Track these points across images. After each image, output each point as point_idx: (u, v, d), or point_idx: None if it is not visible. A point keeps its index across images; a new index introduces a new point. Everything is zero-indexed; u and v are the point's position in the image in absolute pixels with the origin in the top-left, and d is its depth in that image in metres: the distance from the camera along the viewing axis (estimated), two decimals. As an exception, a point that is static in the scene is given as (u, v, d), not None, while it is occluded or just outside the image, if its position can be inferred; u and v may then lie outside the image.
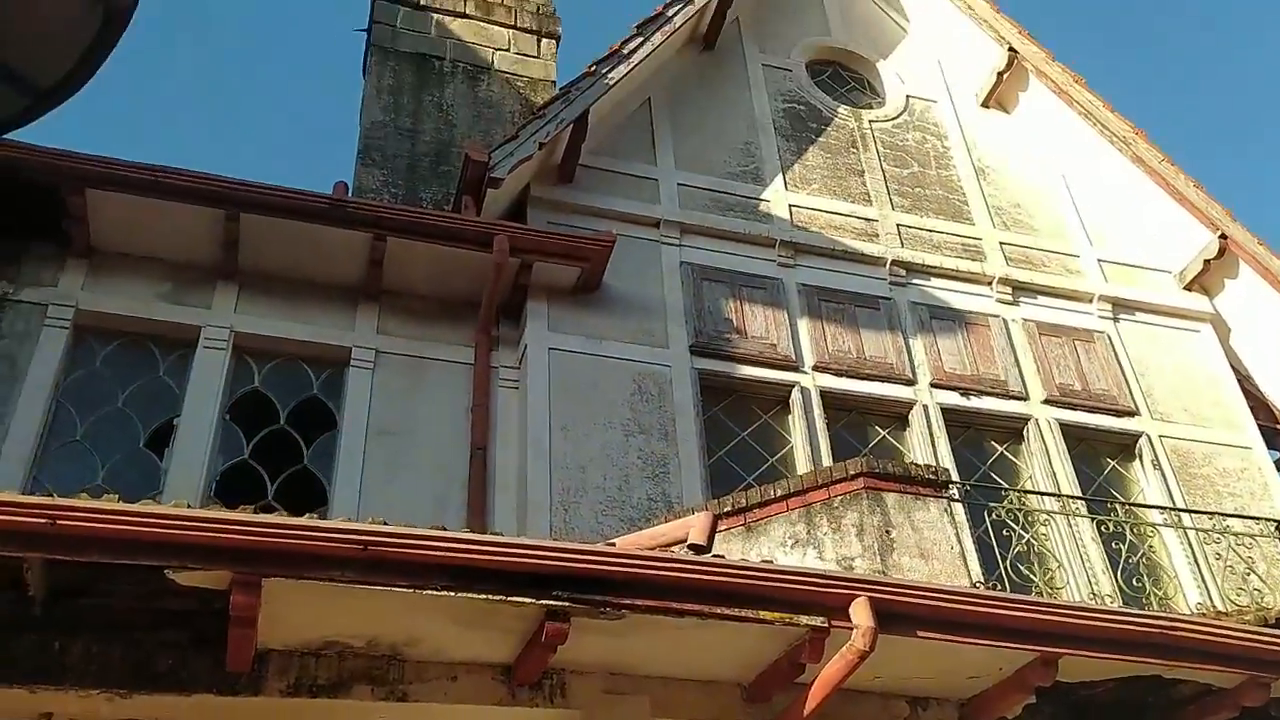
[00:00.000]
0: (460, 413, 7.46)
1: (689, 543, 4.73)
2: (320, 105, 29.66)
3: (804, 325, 8.41)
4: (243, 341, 7.38)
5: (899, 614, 4.52)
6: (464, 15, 10.80)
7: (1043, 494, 7.65)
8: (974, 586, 5.50)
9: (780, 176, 9.39)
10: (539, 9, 11.27)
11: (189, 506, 4.07)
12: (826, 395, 8.07)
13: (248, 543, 3.89)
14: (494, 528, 6.84)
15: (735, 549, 5.81)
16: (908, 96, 10.60)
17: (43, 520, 3.80)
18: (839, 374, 8.22)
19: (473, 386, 7.56)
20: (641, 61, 9.04)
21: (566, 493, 6.96)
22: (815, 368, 8.18)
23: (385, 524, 4.23)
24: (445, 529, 4.35)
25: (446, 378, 7.63)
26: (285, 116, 29.05)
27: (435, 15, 10.71)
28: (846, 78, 10.73)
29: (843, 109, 10.25)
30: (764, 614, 4.45)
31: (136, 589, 4.38)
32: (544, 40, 10.98)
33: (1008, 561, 6.21)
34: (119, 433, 6.88)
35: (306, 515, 4.13)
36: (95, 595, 4.40)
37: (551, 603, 4.24)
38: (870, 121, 10.25)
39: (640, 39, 9.12)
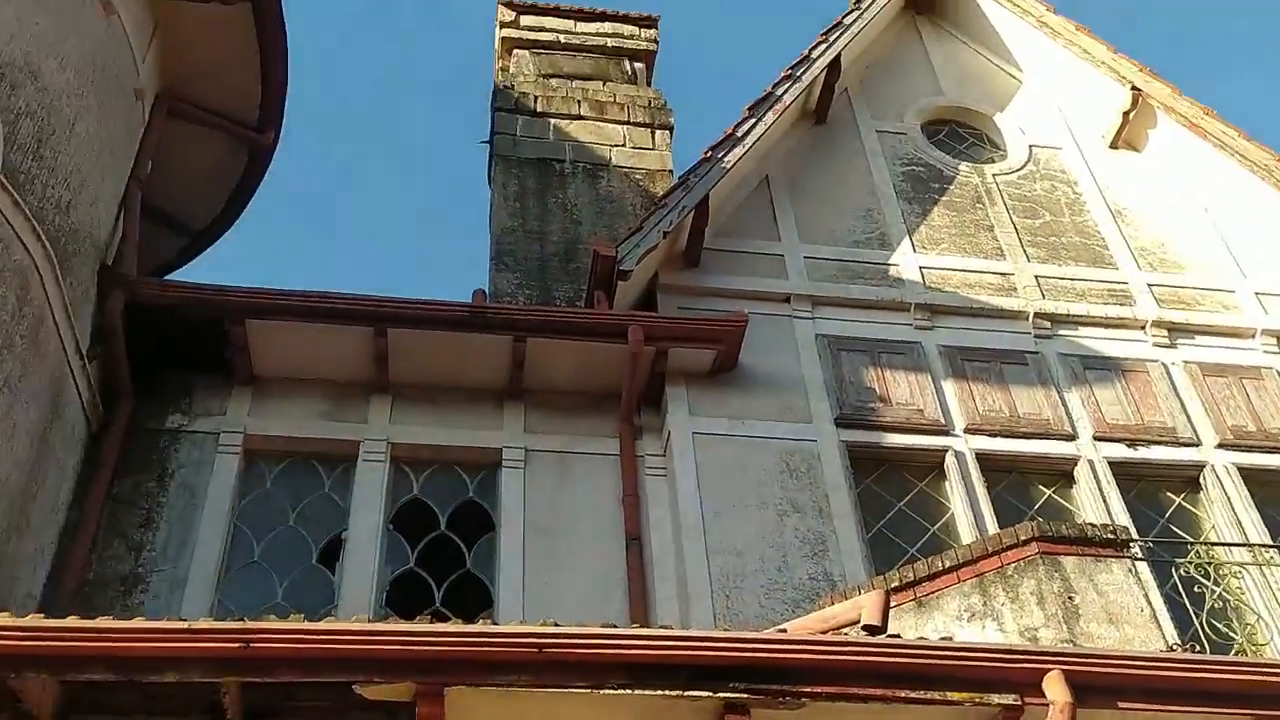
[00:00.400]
0: (612, 504, 7.51)
1: (863, 624, 4.61)
2: (450, 213, 30.85)
3: (949, 387, 8.23)
4: (399, 452, 7.61)
5: (1096, 685, 4.30)
6: (579, 117, 11.15)
7: (1231, 545, 7.22)
8: (1171, 650, 5.19)
9: (907, 239, 9.30)
10: (650, 103, 11.56)
11: (369, 621, 4.19)
12: (982, 457, 7.84)
13: (428, 653, 3.97)
14: (656, 618, 6.82)
15: (907, 626, 5.63)
16: (1030, 146, 10.42)
17: (237, 644, 3.96)
18: (993, 434, 7.99)
19: (621, 477, 7.61)
20: (755, 142, 9.14)
21: (726, 578, 6.89)
22: (967, 430, 7.97)
23: (557, 625, 4.26)
24: (616, 626, 4.36)
25: (595, 470, 7.71)
26: (417, 227, 30.31)
27: (552, 120, 11.08)
28: (964, 134, 10.63)
29: (964, 166, 10.14)
30: (951, 694, 4.29)
31: (325, 706, 4.51)
32: (658, 132, 11.23)
33: (1203, 619, 5.84)
34: (293, 550, 7.15)
35: (481, 620, 4.19)
36: (285, 715, 4.53)
37: (730, 695, 4.18)
38: (994, 175, 10.10)
39: (752, 120, 9.23)
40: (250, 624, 4.01)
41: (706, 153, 8.90)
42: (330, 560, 7.14)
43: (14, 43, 6.38)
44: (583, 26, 12.18)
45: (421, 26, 31.13)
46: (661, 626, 4.55)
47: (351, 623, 4.09)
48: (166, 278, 9.05)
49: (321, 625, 4.03)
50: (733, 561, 6.99)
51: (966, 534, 7.32)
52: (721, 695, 4.17)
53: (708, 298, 8.58)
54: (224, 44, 8.32)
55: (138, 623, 3.94)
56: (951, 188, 9.90)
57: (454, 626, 4.06)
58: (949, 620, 5.62)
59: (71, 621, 3.88)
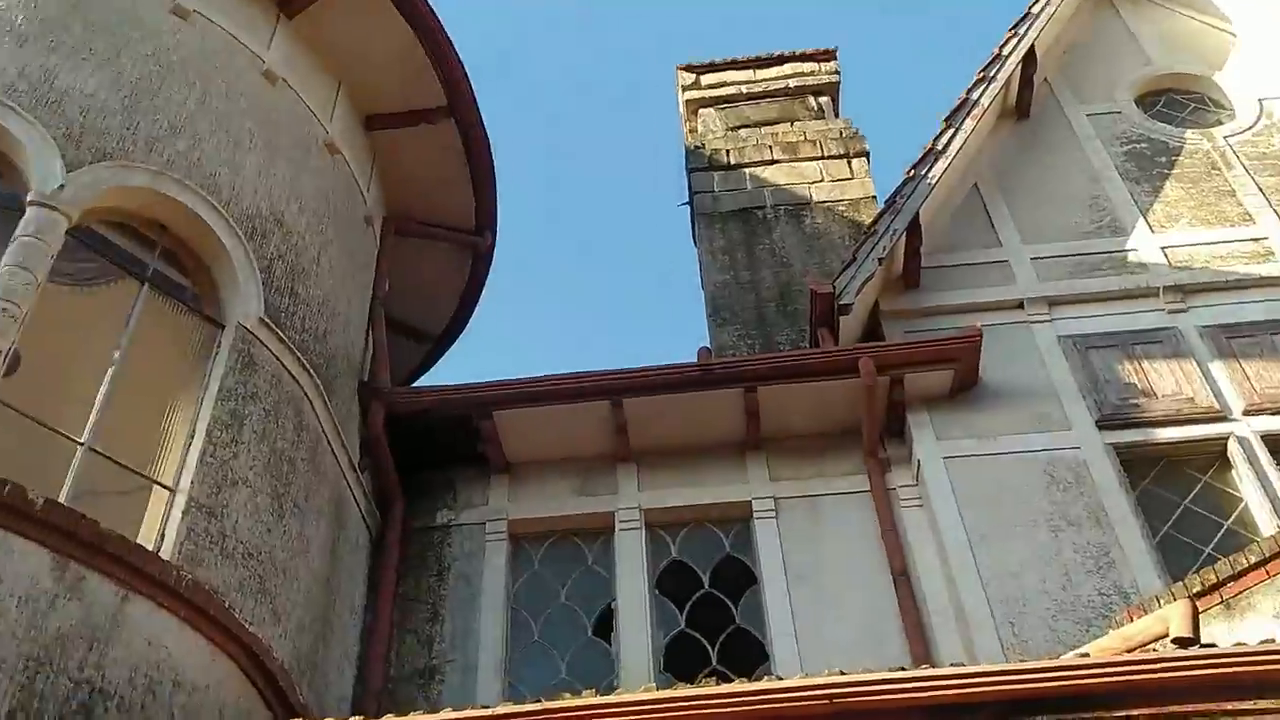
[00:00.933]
0: (871, 542, 7.35)
1: (1172, 637, 4.29)
2: (662, 276, 31.56)
3: (1218, 369, 7.63)
4: (652, 517, 7.75)
5: None
6: (773, 161, 11.20)
7: None
8: None
9: (1142, 221, 8.75)
10: (841, 134, 11.48)
11: (654, 690, 4.24)
12: (1269, 439, 7.20)
13: (725, 715, 3.98)
14: (939, 654, 6.59)
15: (1218, 633, 5.18)
16: (1260, 101, 9.64)
17: None
18: (1276, 413, 7.32)
19: (876, 513, 7.45)
20: (958, 151, 8.89)
21: (1007, 604, 6.59)
22: (1247, 412, 7.35)
23: (843, 673, 4.19)
24: (905, 668, 4.23)
25: (847, 510, 7.59)
26: (632, 297, 31.12)
27: (747, 170, 11.18)
28: (1183, 101, 9.96)
29: (1190, 133, 9.49)
30: (1287, 702, 3.90)
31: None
32: (854, 161, 11.12)
33: None
34: (568, 626, 7.37)
35: (766, 678, 4.17)
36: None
37: (1039, 728, 3.97)
38: (1225, 138, 9.39)
39: (951, 130, 9.00)
40: (515, 708, 4.11)
41: (909, 171, 8.73)
42: (604, 631, 7.31)
43: (258, 195, 7.05)
44: (762, 73, 12.29)
45: (607, 105, 32.24)
46: (953, 664, 4.37)
47: (640, 692, 4.15)
48: (416, 384, 9.68)
49: (613, 699, 4.12)
50: (1011, 586, 6.68)
51: (1266, 524, 6.72)
52: (1031, 729, 3.97)
53: (934, 317, 8.35)
54: (435, 159, 8.96)
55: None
56: (1180, 159, 9.27)
57: (737, 687, 4.06)
58: (1265, 621, 5.14)
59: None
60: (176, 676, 4.94)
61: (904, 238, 8.37)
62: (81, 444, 5.38)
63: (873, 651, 6.51)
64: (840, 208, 10.72)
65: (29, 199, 5.65)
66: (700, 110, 12.24)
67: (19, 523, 4.58)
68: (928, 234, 8.57)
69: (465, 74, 8.63)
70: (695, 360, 7.88)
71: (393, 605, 7.33)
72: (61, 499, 5.00)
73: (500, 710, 4.17)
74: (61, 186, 5.77)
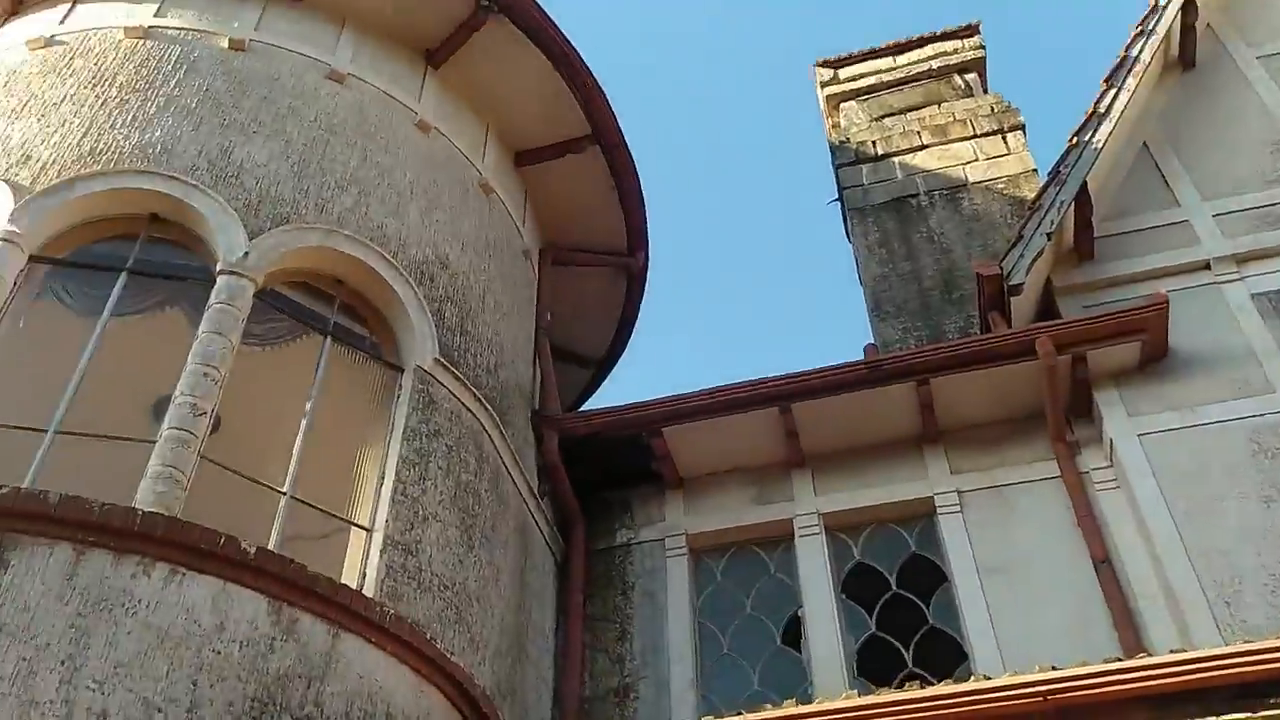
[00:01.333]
0: (1065, 529, 7.04)
1: None
2: (820, 276, 31.22)
3: None
4: (832, 521, 7.63)
5: None
6: (923, 147, 10.91)
7: None
8: None
9: (1334, 161, 8.11)
10: (993, 109, 11.09)
11: (855, 695, 4.16)
12: None
13: (938, 717, 3.88)
14: (1150, 640, 6.25)
15: None
16: None
17: None
18: None
19: (1070, 499, 7.13)
20: (1122, 112, 8.46)
21: (1220, 584, 6.19)
22: None
23: (1055, 668, 4.02)
24: (1120, 659, 4.03)
25: (1037, 498, 7.29)
26: (788, 298, 30.87)
27: (896, 159, 10.93)
28: (1359, 32, 9.19)
29: (1371, 65, 8.75)
30: None
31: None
32: (1009, 135, 10.72)
33: None
34: (756, 637, 7.33)
35: (973, 678, 4.03)
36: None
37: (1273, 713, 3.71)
38: None
39: (1113, 90, 8.57)
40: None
41: (1071, 138, 8.36)
42: (793, 639, 7.24)
43: (423, 241, 7.34)
44: (903, 59, 12.01)
45: (747, 110, 32.16)
46: (1173, 650, 4.13)
47: (840, 699, 4.09)
48: (585, 408, 9.84)
49: (816, 708, 4.07)
50: (1223, 564, 6.28)
51: None
52: (1265, 714, 3.71)
53: (1113, 288, 7.96)
54: (584, 186, 9.16)
55: None
56: (1372, 88, 8.56)
57: (946, 689, 3.95)
58: None
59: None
60: (389, 709, 5.17)
61: (1073, 208, 8.01)
62: (284, 493, 5.70)
63: (1079, 643, 6.23)
64: (999, 186, 10.35)
65: (218, 269, 6.05)
66: (841, 105, 12.06)
67: (236, 572, 4.89)
68: (1098, 201, 8.18)
69: (605, 100, 8.78)
70: (862, 358, 7.74)
71: (582, 626, 7.45)
72: (270, 546, 5.31)
73: (701, 725, 4.18)
74: (246, 254, 6.16)
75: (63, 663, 4.26)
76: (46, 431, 5.27)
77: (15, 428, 5.47)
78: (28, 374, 6.05)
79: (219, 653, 4.64)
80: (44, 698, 4.15)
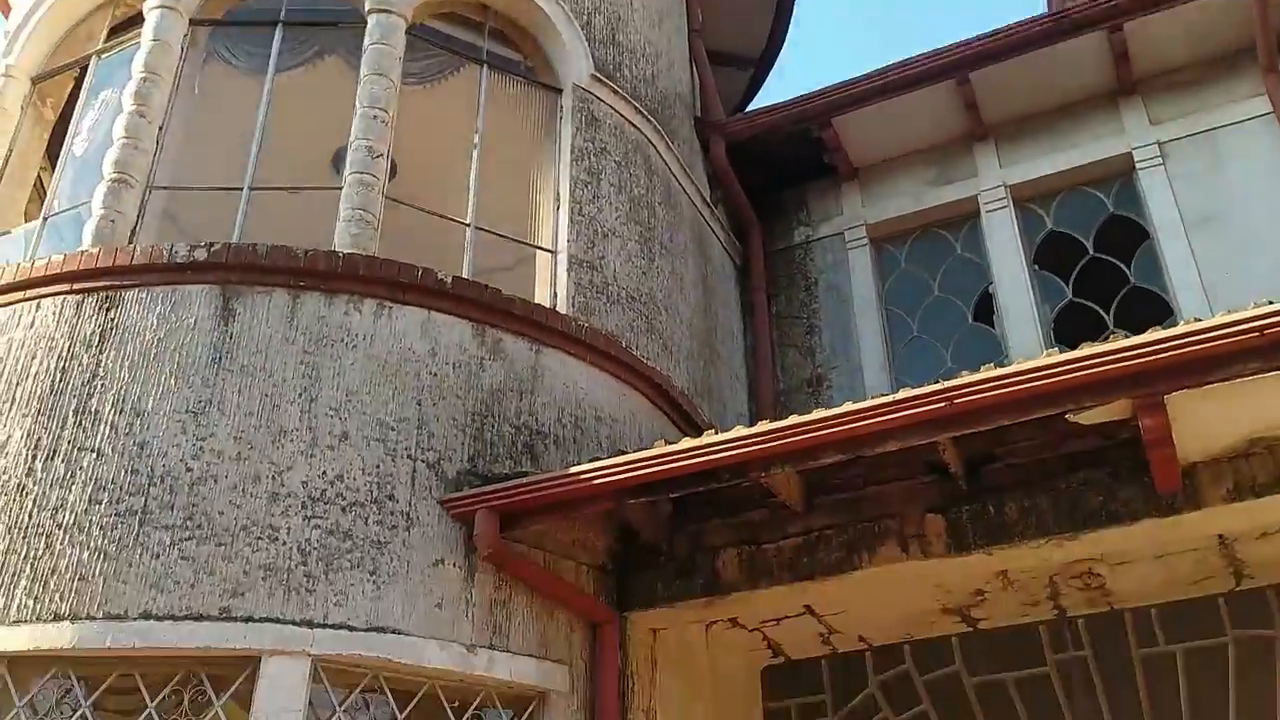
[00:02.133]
0: (1277, 169, 6.52)
1: None
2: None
3: None
4: (1019, 192, 7.33)
5: None
6: None
7: None
8: None
9: None
10: None
11: (1062, 350, 4.09)
12: None
13: (1138, 366, 3.79)
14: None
15: None
16: None
17: (942, 404, 4.13)
18: None
19: (1287, 136, 6.56)
20: None
21: None
22: None
23: (1271, 303, 3.81)
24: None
25: (1247, 138, 6.80)
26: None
27: None
28: None
29: None
30: None
31: (1037, 442, 4.58)
32: None
33: None
34: (946, 317, 7.29)
35: (1195, 319, 3.87)
36: (1002, 458, 4.68)
37: None
38: None
39: None
40: (949, 383, 4.14)
41: None
42: (985, 316, 7.16)
43: (560, -47, 7.02)
44: None
45: None
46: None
47: (1045, 358, 4.03)
48: (748, 109, 9.56)
49: (1015, 368, 4.04)
50: None
51: None
52: None
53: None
54: None
55: (848, 406, 4.27)
56: None
57: (1160, 333, 3.81)
58: None
59: (797, 419, 4.32)
60: (596, 413, 5.47)
61: None
62: (468, 225, 5.87)
63: (1297, 283, 5.91)
64: None
65: (367, 8, 5.99)
66: None
67: (438, 301, 5.14)
68: None
69: None
70: (1046, 12, 7.14)
71: (770, 325, 7.58)
72: (464, 275, 5.54)
73: (899, 396, 4.23)
74: (392, -11, 6.05)
75: (300, 394, 4.66)
76: (242, 190, 5.54)
77: (213, 189, 5.78)
78: (212, 136, 6.29)
79: (435, 375, 4.97)
80: (290, 425, 4.58)
